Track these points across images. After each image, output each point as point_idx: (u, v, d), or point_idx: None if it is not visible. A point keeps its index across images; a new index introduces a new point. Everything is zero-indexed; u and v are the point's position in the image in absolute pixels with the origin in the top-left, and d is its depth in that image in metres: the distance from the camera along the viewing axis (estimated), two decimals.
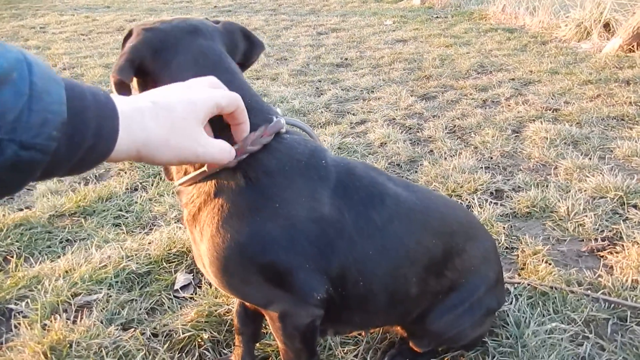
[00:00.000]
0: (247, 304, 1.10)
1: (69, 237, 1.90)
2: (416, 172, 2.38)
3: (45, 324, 1.42)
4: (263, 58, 4.66)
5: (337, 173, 0.94)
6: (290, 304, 0.95)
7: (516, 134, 2.79)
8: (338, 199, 0.92)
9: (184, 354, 1.35)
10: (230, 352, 1.31)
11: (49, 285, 1.57)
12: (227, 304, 1.47)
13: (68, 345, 1.32)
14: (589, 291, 1.52)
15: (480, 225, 1.26)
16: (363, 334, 1.38)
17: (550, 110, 3.11)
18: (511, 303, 1.46)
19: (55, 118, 0.46)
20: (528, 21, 5.70)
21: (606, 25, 4.78)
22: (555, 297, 1.48)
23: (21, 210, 2.10)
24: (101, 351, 1.31)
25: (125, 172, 2.43)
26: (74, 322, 1.43)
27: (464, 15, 6.48)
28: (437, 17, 6.55)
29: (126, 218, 2.04)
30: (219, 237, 0.87)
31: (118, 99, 0.58)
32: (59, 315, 1.46)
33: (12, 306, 1.52)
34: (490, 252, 1.20)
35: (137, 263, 1.69)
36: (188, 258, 1.72)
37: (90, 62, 4.72)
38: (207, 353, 1.35)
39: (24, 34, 6.27)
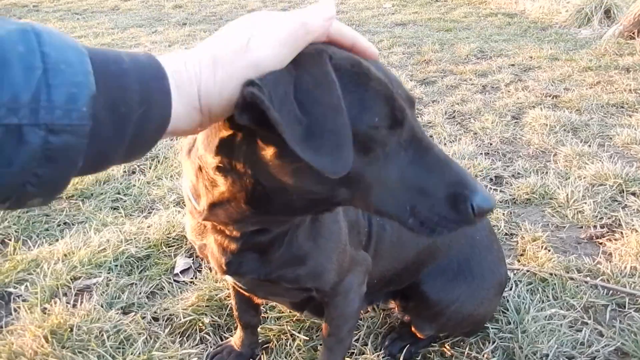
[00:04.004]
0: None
1: (67, 220, 1.89)
2: None
3: (45, 308, 1.41)
4: None
5: None
6: (364, 269, 1.04)
7: (516, 120, 2.78)
8: None
9: (185, 338, 1.35)
10: (231, 336, 1.32)
11: (48, 268, 1.55)
12: (228, 289, 1.47)
13: (69, 329, 1.31)
14: (588, 278, 1.53)
15: None
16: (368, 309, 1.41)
17: (550, 96, 3.10)
18: (511, 289, 1.47)
19: (82, 91, 0.39)
20: (528, 6, 5.65)
21: (607, 12, 4.75)
22: (555, 284, 1.49)
23: None
24: (102, 335, 1.31)
25: None
26: (74, 306, 1.43)
27: None
28: (436, 0, 6.48)
29: (124, 201, 2.02)
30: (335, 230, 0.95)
31: (165, 57, 0.48)
32: (59, 299, 1.45)
33: (12, 289, 1.51)
34: None
35: (136, 247, 1.68)
36: (188, 242, 1.71)
37: (85, 42, 4.63)
38: (207, 337, 1.35)
39: (17, 12, 6.16)
